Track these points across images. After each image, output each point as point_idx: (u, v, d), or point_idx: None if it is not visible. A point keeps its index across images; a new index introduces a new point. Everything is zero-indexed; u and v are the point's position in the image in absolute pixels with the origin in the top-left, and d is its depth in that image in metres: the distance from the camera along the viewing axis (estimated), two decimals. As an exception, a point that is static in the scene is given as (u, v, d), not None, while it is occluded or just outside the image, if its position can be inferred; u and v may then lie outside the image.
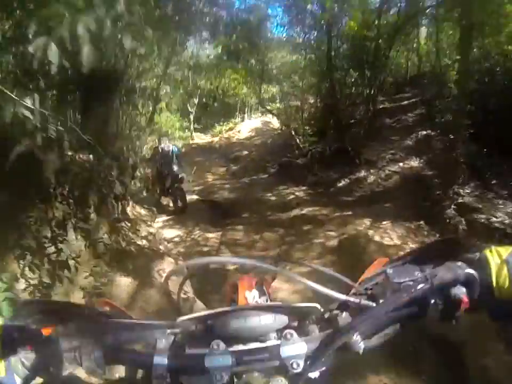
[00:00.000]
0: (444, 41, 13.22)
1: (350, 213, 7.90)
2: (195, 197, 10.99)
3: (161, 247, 6.10)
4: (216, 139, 21.89)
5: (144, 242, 5.60)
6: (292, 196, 10.01)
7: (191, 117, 22.80)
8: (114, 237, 4.83)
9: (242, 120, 24.54)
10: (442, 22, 12.45)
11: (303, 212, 8.53)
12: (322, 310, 0.66)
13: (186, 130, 22.98)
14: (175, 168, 9.51)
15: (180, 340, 0.64)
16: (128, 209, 6.37)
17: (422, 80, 13.60)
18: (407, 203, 8.13)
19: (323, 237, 6.68)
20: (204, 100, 24.60)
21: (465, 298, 0.59)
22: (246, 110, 25.79)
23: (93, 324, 0.64)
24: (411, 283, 0.61)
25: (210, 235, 7.57)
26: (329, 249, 6.18)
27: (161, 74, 11.50)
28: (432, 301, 0.61)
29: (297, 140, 13.03)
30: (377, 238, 6.20)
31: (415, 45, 15.22)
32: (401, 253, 0.77)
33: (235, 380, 0.59)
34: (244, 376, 0.59)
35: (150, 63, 10.85)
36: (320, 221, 7.69)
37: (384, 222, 7.10)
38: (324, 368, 0.61)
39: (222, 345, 0.59)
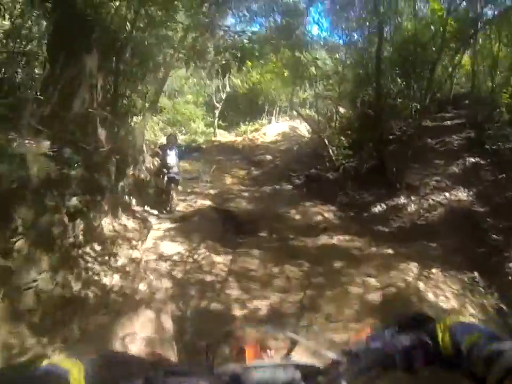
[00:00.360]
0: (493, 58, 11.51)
1: (390, 250, 6.41)
2: (208, 202, 9.59)
3: (142, 285, 4.30)
4: (239, 139, 20.49)
5: (116, 279, 4.00)
6: (319, 217, 8.55)
7: (217, 112, 21.51)
8: (63, 275, 3.22)
9: (269, 122, 23.10)
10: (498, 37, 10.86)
11: (333, 240, 7.06)
12: (320, 368, 0.80)
13: (209, 127, 21.79)
14: (174, 169, 8.90)
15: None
16: (106, 221, 4.83)
17: (467, 100, 12.05)
18: (456, 245, 6.66)
19: (361, 285, 5.15)
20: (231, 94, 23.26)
21: (421, 359, 0.79)
22: (274, 112, 24.38)
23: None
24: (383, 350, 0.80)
25: (217, 258, 6.12)
26: (370, 306, 4.61)
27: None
28: (398, 361, 0.78)
29: (330, 151, 11.50)
30: (430, 296, 4.75)
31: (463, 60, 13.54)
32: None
33: None
34: None
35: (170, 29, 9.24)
36: (355, 257, 6.20)
37: (433, 270, 5.66)
38: None
39: None
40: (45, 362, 0.67)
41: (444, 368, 0.79)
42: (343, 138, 11.55)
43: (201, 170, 14.81)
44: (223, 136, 21.70)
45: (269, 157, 16.96)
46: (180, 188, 9.43)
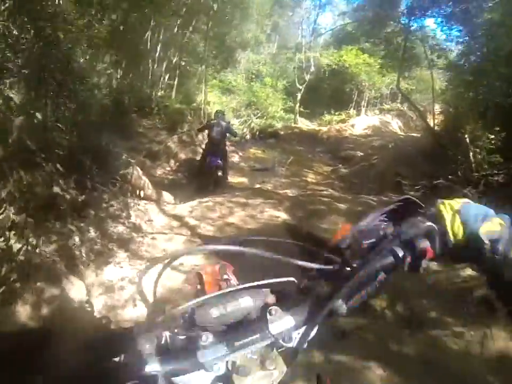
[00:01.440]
0: None
1: None
2: (282, 214, 5.63)
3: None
4: (324, 129, 16.88)
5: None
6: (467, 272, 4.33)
7: (298, 95, 18.05)
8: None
9: (358, 114, 19.27)
10: None
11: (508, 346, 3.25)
12: (297, 281, 0.65)
13: (289, 113, 18.43)
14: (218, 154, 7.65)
15: (164, 340, 0.58)
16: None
17: None
18: None
19: None
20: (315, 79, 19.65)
21: (429, 249, 0.62)
22: (362, 103, 20.48)
23: None
24: (378, 242, 0.63)
25: None
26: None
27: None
28: (401, 254, 0.62)
29: (470, 154, 7.59)
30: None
31: None
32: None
33: (230, 368, 0.56)
34: (239, 361, 0.56)
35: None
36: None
37: None
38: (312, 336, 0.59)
39: (211, 336, 0.56)
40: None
41: (454, 259, 0.66)
42: (491, 137, 7.45)
43: (276, 160, 11.56)
44: (305, 124, 18.23)
45: (359, 153, 13.40)
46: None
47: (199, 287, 0.74)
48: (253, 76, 19.30)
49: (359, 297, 0.62)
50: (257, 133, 15.01)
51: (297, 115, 17.90)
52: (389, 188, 8.80)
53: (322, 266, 0.64)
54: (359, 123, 17.66)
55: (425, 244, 0.61)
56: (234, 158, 11.14)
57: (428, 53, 12.81)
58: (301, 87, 17.76)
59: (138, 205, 4.94)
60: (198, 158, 8.66)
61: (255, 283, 0.63)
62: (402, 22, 12.31)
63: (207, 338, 0.55)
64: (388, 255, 0.62)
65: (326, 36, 22.43)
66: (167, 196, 6.07)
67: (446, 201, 0.65)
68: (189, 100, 11.85)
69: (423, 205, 0.69)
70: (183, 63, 13.08)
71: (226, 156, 8.18)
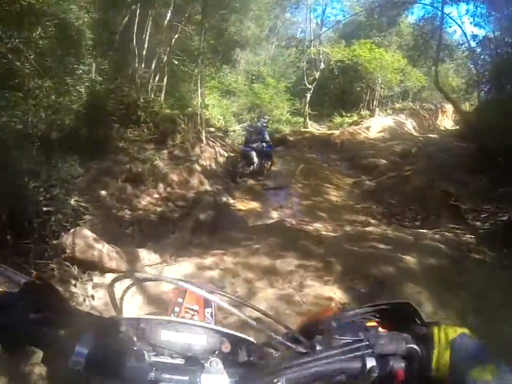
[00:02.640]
0: None
1: None
2: (328, 289, 3.40)
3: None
4: (336, 133, 14.60)
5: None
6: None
7: (308, 95, 15.77)
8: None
9: (372, 114, 17.01)
10: None
11: None
12: (255, 344, 0.59)
13: (296, 115, 16.21)
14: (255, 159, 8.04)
15: (108, 337, 0.53)
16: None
17: None
18: None
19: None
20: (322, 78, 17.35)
21: (401, 372, 0.52)
22: (374, 102, 18.24)
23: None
24: (352, 343, 0.54)
25: None
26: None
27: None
28: (369, 366, 0.52)
29: None
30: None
31: None
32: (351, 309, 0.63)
33: None
34: None
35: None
36: None
37: None
38: None
39: (144, 354, 0.51)
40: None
41: None
42: None
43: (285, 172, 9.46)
44: (314, 128, 15.97)
45: (382, 161, 11.21)
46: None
47: (178, 303, 0.76)
48: (253, 77, 17.09)
49: None
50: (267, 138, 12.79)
51: (307, 118, 15.61)
52: (442, 213, 6.60)
53: (282, 340, 0.54)
54: (374, 125, 15.45)
55: (399, 365, 0.52)
56: (241, 173, 8.94)
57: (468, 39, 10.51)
58: (310, 86, 15.51)
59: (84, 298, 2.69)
60: (194, 179, 6.52)
61: (218, 328, 0.57)
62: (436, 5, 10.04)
63: (144, 355, 0.51)
64: (355, 360, 0.52)
65: (334, 30, 20.00)
66: (146, 256, 3.81)
67: (444, 327, 0.53)
68: (183, 104, 9.56)
69: (422, 317, 0.57)
70: (176, 62, 10.79)
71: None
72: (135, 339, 0.53)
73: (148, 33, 9.64)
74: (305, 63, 16.43)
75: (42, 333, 0.52)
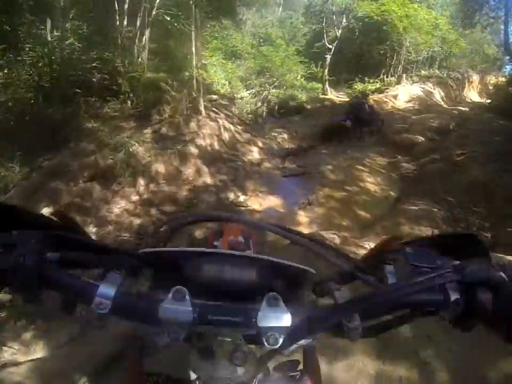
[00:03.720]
0: None
1: None
2: None
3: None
4: None
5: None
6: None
7: (328, 57, 13.31)
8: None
9: (398, 81, 14.60)
10: None
11: None
12: (318, 277, 0.51)
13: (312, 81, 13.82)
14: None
15: (139, 275, 0.47)
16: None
17: None
18: None
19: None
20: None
21: (489, 306, 0.42)
22: (399, 68, 15.77)
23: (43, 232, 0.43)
24: (432, 271, 0.44)
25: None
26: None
27: None
28: (453, 298, 0.43)
29: None
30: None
31: None
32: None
33: (193, 340, 0.46)
34: (205, 338, 0.46)
35: None
36: None
37: None
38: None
39: (185, 294, 0.41)
40: None
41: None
42: None
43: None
44: (334, 95, 13.61)
45: (420, 138, 9.10)
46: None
47: (216, 242, 0.65)
48: (261, 40, 14.62)
49: (380, 325, 0.46)
50: (277, 108, 10.59)
51: (327, 83, 13.23)
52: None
53: (353, 269, 0.46)
54: (402, 93, 13.14)
55: (486, 296, 0.42)
56: (253, 153, 6.77)
57: None
58: (330, 46, 13.02)
59: None
60: (189, 168, 4.41)
61: (269, 258, 0.47)
62: None
63: (179, 293, 0.41)
64: (435, 292, 0.43)
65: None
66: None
67: None
68: (173, 65, 7.21)
69: (488, 250, 0.47)
70: (169, 19, 8.33)
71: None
72: (171, 276, 0.44)
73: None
74: (324, 18, 13.81)
75: (60, 274, 0.42)
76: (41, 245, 0.41)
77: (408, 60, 16.31)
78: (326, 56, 13.17)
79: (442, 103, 14.85)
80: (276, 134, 8.15)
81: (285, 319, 0.41)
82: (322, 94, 12.86)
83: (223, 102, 8.20)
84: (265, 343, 0.41)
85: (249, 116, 8.65)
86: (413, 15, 12.98)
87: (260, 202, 4.84)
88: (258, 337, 0.41)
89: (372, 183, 6.61)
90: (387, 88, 13.71)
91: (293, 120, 9.80)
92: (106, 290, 0.41)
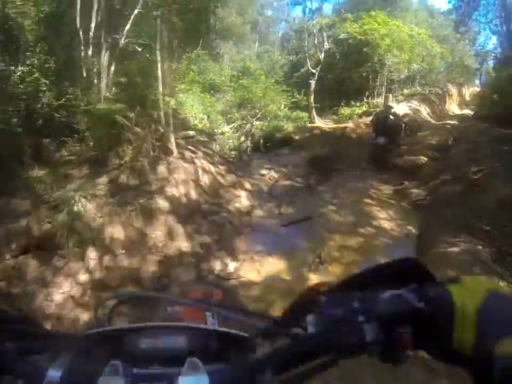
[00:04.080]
0: None
1: None
2: None
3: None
4: (350, 125, 11.38)
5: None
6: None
7: (312, 83, 12.58)
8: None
9: (386, 102, 13.98)
10: None
11: None
12: (247, 337, 0.52)
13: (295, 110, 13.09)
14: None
15: (83, 355, 0.50)
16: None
17: None
18: None
19: None
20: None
21: (407, 338, 0.41)
22: (383, 89, 15.22)
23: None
24: (345, 315, 0.45)
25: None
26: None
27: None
28: (369, 338, 0.42)
29: None
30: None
31: None
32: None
33: None
34: None
35: None
36: None
37: None
38: None
39: (119, 366, 0.45)
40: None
41: (445, 361, 0.41)
42: None
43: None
44: (322, 123, 12.78)
45: (422, 159, 8.31)
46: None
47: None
48: (240, 74, 14.02)
49: (299, 375, 0.45)
50: (262, 141, 9.67)
51: (313, 110, 12.42)
52: None
53: (272, 328, 0.50)
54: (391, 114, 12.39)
55: (405, 330, 0.41)
56: (240, 198, 5.66)
57: None
58: (314, 71, 12.31)
59: None
60: (157, 229, 3.35)
61: (202, 326, 0.54)
62: None
63: (114, 367, 0.45)
64: (350, 335, 0.43)
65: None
66: None
67: (468, 280, 0.41)
68: (137, 98, 6.11)
69: (433, 275, 0.45)
70: (140, 49, 7.58)
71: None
72: (114, 351, 0.49)
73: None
74: (305, 41, 13.21)
75: (16, 361, 0.46)
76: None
77: (390, 80, 15.82)
78: (310, 81, 12.39)
79: (430, 119, 14.27)
80: (265, 172, 7.13)
81: (202, 381, 0.43)
82: (309, 123, 12.00)
83: (202, 139, 7.21)
84: None
85: (232, 152, 7.66)
86: (396, 31, 12.45)
87: (256, 269, 3.69)
88: None
89: (385, 219, 5.59)
90: (375, 110, 13.01)
91: (281, 153, 8.84)
92: (54, 372, 0.43)
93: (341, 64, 14.69)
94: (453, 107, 18.39)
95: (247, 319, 0.51)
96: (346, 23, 12.93)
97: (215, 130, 8.36)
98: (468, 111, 15.70)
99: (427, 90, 17.12)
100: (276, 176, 6.80)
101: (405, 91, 16.41)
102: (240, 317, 0.51)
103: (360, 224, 5.11)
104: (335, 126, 11.57)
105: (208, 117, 8.57)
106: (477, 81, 22.33)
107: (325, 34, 12.72)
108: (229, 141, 8.82)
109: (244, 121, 10.03)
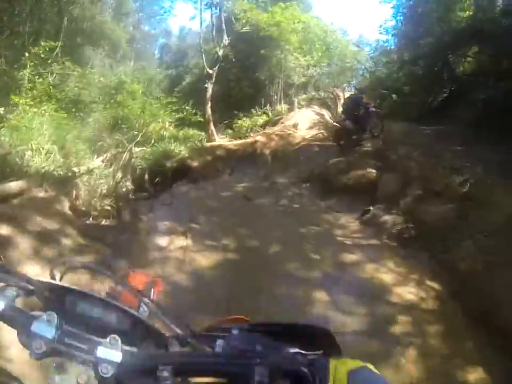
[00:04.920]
0: None
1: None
2: None
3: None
4: (260, 139, 9.02)
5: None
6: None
7: (209, 88, 10.04)
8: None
9: (291, 109, 12.32)
10: None
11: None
12: (165, 338, 0.57)
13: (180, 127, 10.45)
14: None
15: (26, 297, 0.58)
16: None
17: None
18: None
19: None
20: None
21: None
22: (279, 94, 13.61)
23: None
24: (243, 351, 0.53)
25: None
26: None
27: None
28: (257, 378, 0.47)
29: None
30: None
31: None
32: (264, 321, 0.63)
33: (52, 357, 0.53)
34: (60, 357, 0.53)
35: None
36: None
37: None
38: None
39: (54, 318, 0.52)
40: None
41: None
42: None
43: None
44: (221, 139, 10.28)
45: (371, 172, 6.37)
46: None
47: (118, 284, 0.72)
48: (113, 92, 10.63)
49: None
50: (147, 176, 6.90)
51: (211, 124, 9.86)
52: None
53: (185, 338, 0.55)
54: (301, 121, 10.64)
55: (285, 382, 0.47)
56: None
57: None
58: (212, 71, 9.81)
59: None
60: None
61: (130, 310, 0.57)
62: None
63: (50, 316, 0.52)
64: (245, 368, 0.48)
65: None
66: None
67: (343, 360, 0.47)
68: None
69: (338, 347, 0.57)
70: None
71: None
72: (51, 304, 0.55)
73: None
74: (200, 37, 10.69)
75: None
76: None
77: (286, 85, 14.31)
78: (206, 85, 9.82)
79: (335, 123, 13.06)
80: (168, 242, 4.20)
81: (116, 356, 0.49)
82: (207, 141, 9.42)
83: (41, 195, 4.01)
84: (99, 371, 0.49)
85: (106, 203, 4.69)
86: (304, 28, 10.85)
87: None
88: (95, 365, 0.49)
89: (382, 273, 3.35)
90: (280, 118, 11.11)
91: (179, 192, 6.10)
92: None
93: (235, 69, 12.60)
94: (339, 109, 17.93)
95: (170, 322, 0.55)
96: (253, 11, 10.85)
97: (75, 169, 5.26)
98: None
99: (322, 95, 16.27)
100: (191, 244, 4.00)
101: (303, 96, 15.14)
102: (166, 319, 0.55)
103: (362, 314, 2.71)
104: (240, 142, 9.16)
105: (63, 148, 5.43)
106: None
107: (224, 27, 10.37)
108: (101, 182, 5.85)
109: (120, 149, 7.10)
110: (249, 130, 10.85)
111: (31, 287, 0.56)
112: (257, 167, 7.55)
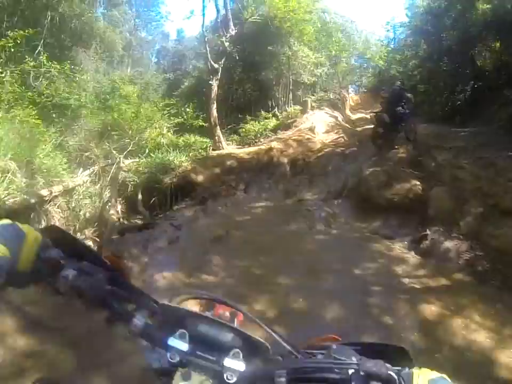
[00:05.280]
0: None
1: None
2: None
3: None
4: (276, 146, 7.81)
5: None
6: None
7: (214, 85, 8.90)
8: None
9: (304, 110, 11.24)
10: None
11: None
12: (270, 349, 0.62)
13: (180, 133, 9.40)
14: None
15: (157, 318, 0.64)
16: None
17: None
18: None
19: None
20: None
21: None
22: (290, 95, 12.62)
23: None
24: (343, 361, 0.58)
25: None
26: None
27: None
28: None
29: None
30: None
31: None
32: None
33: (182, 368, 0.59)
34: (189, 367, 0.59)
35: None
36: None
37: None
38: None
39: (186, 335, 0.60)
40: (3, 221, 0.56)
41: None
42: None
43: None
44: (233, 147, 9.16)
45: (417, 185, 5.17)
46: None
47: (207, 310, 0.87)
48: (107, 97, 9.52)
49: None
50: (140, 196, 5.90)
51: (218, 129, 8.74)
52: None
53: (291, 349, 0.62)
54: (317, 124, 9.61)
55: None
56: None
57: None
58: (216, 65, 8.70)
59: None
60: None
61: (242, 331, 0.62)
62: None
63: (182, 334, 0.59)
64: (344, 375, 0.55)
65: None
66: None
67: (423, 369, 0.52)
68: None
69: (412, 360, 0.60)
70: None
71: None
72: (177, 325, 0.60)
73: None
74: (202, 27, 9.58)
75: (109, 300, 0.60)
76: (103, 278, 0.60)
77: (294, 85, 13.27)
78: (210, 82, 8.67)
79: (349, 126, 12.01)
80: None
81: (240, 366, 0.56)
82: (213, 149, 8.28)
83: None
84: (225, 378, 0.55)
85: (85, 238, 3.64)
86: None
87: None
88: (221, 373, 0.55)
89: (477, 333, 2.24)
90: (293, 121, 10.02)
91: (181, 219, 4.99)
92: (139, 320, 0.58)
93: (240, 69, 11.54)
94: (347, 112, 16.96)
95: (282, 340, 0.61)
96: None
97: (45, 192, 4.17)
98: (362, 115, 14.02)
99: (331, 96, 15.28)
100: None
101: (312, 97, 14.10)
102: (277, 336, 0.61)
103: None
104: (252, 149, 8.02)
105: (30, 162, 4.34)
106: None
107: (230, 16, 9.28)
108: (85, 202, 4.82)
109: (110, 161, 6.05)
110: (258, 135, 9.75)
111: (159, 309, 0.62)
112: (275, 180, 6.45)
